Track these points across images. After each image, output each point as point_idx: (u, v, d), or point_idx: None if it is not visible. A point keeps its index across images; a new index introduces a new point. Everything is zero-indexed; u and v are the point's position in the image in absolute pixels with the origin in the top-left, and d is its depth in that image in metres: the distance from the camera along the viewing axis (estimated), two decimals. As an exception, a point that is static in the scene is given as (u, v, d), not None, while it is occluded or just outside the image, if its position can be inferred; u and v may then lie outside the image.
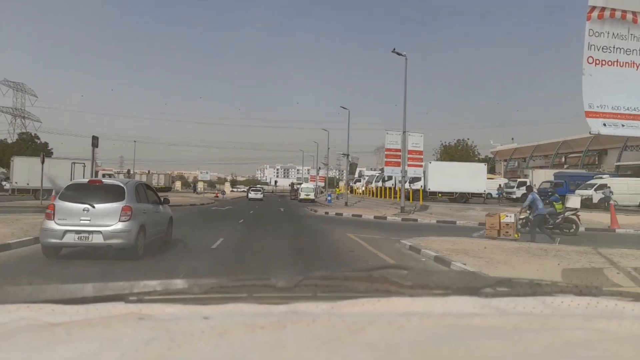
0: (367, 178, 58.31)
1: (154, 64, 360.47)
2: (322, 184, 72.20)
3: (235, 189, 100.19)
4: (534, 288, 1.11)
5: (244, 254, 11.82)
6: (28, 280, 1.06)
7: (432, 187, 37.02)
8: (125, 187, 9.86)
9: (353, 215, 26.76)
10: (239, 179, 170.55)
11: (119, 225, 9.35)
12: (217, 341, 0.73)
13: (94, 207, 9.38)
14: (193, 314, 0.86)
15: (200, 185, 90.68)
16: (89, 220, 9.30)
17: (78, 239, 9.29)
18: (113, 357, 0.67)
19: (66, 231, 9.23)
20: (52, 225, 9.29)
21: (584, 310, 1.01)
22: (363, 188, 56.38)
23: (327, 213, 29.24)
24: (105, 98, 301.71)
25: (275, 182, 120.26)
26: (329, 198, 46.22)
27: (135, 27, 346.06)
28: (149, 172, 73.97)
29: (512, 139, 75.44)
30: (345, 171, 51.02)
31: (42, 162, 26.69)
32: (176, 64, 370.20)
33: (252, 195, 53.95)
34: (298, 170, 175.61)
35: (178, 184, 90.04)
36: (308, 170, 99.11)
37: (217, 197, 56.41)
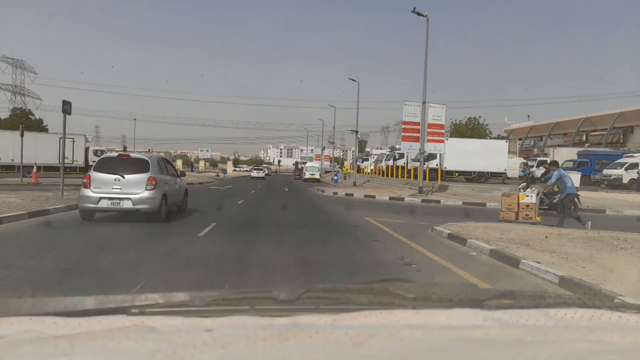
0: (375, 157, 54.14)
1: (155, 41, 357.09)
2: (328, 163, 69.30)
3: (237, 169, 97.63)
4: (537, 300, 1.11)
5: (241, 245, 9.28)
6: (31, 292, 1.06)
7: (449, 165, 33.25)
8: (149, 161, 11.52)
9: (365, 196, 24.60)
10: (242, 158, 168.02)
11: (146, 193, 10.93)
12: (219, 353, 0.73)
13: (124, 177, 10.94)
14: (195, 326, 0.86)
15: (201, 164, 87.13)
16: (120, 188, 10.87)
17: (111, 204, 10.88)
18: None
19: (101, 198, 10.80)
20: (88, 192, 10.84)
21: (588, 322, 1.00)
22: (371, 167, 52.62)
23: (335, 193, 27.00)
24: (106, 75, 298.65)
25: (279, 161, 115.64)
26: (335, 177, 44.29)
27: (137, 2, 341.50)
28: (149, 150, 72.93)
29: (528, 116, 69.70)
30: (353, 149, 48.28)
31: (22, 136, 25.72)
32: (178, 41, 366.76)
33: (254, 174, 58.05)
34: (302, 150, 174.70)
35: (179, 163, 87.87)
36: (312, 150, 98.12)
37: (218, 176, 55.94)
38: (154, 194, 11.00)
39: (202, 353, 0.72)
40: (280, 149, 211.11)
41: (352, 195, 25.66)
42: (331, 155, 69.96)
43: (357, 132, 42.99)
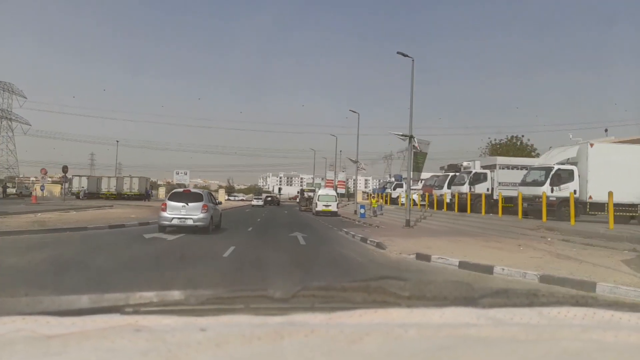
0: (422, 181, 34.85)
1: (150, 63, 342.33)
2: (343, 192, 58.51)
3: (232, 197, 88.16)
4: (530, 298, 1.11)
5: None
6: (25, 292, 1.06)
7: (595, 192, 18.06)
8: (203, 194, 17.91)
9: (537, 278, 9.17)
10: (241, 187, 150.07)
11: (201, 215, 16.69)
12: (214, 352, 0.72)
13: (187, 204, 16.72)
14: (190, 326, 0.86)
15: (160, 192, 72.96)
16: (185, 212, 16.63)
17: (179, 221, 16.52)
18: None
19: (173, 217, 16.58)
20: (165, 214, 16.68)
21: (581, 320, 1.01)
22: (414, 197, 32.62)
23: (422, 258, 11.55)
24: (98, 100, 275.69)
25: (279, 189, 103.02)
26: (362, 211, 32.57)
27: (132, 24, 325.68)
28: (129, 175, 62.89)
29: (606, 130, 45.39)
30: (408, 163, 24.70)
31: None
32: (174, 65, 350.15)
33: (255, 202, 61.65)
34: (302, 178, 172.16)
35: (162, 191, 75.53)
36: (313, 178, 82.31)
37: None
38: (206, 216, 16.82)
39: (197, 352, 0.72)
40: (280, 177, 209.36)
41: (490, 269, 9.87)
42: (356, 179, 50.76)
43: (411, 137, 23.22)
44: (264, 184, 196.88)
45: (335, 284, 1.05)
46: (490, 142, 50.56)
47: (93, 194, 56.55)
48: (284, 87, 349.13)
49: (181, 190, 19.37)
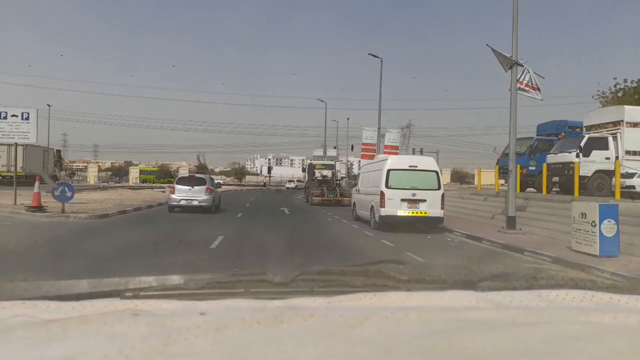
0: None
1: (117, 25, 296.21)
2: (366, 162, 25.35)
3: None
4: (530, 281, 1.12)
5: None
6: (24, 276, 1.05)
7: None
8: (206, 178, 20.47)
9: None
10: (226, 168, 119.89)
11: (206, 197, 19.01)
12: (213, 337, 0.72)
13: (193, 187, 19.06)
14: (189, 310, 0.86)
15: (91, 173, 56.78)
16: (191, 194, 18.94)
17: (186, 202, 18.86)
18: (109, 353, 0.66)
19: (181, 199, 18.91)
20: (174, 196, 19.05)
21: (580, 303, 1.02)
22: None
23: None
24: (56, 67, 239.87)
25: (269, 169, 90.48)
26: (608, 233, 8.84)
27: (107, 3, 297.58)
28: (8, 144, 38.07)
29: None
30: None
31: None
32: (145, 27, 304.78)
33: (287, 185, 64.21)
34: (292, 160, 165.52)
35: (92, 171, 59.47)
36: (324, 147, 52.91)
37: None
38: (210, 197, 19.23)
39: (196, 337, 0.72)
40: (269, 159, 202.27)
41: None
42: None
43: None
44: (252, 165, 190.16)
45: (334, 268, 1.06)
46: (615, 83, 30.39)
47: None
48: (273, 59, 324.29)
49: (187, 175, 23.52)
